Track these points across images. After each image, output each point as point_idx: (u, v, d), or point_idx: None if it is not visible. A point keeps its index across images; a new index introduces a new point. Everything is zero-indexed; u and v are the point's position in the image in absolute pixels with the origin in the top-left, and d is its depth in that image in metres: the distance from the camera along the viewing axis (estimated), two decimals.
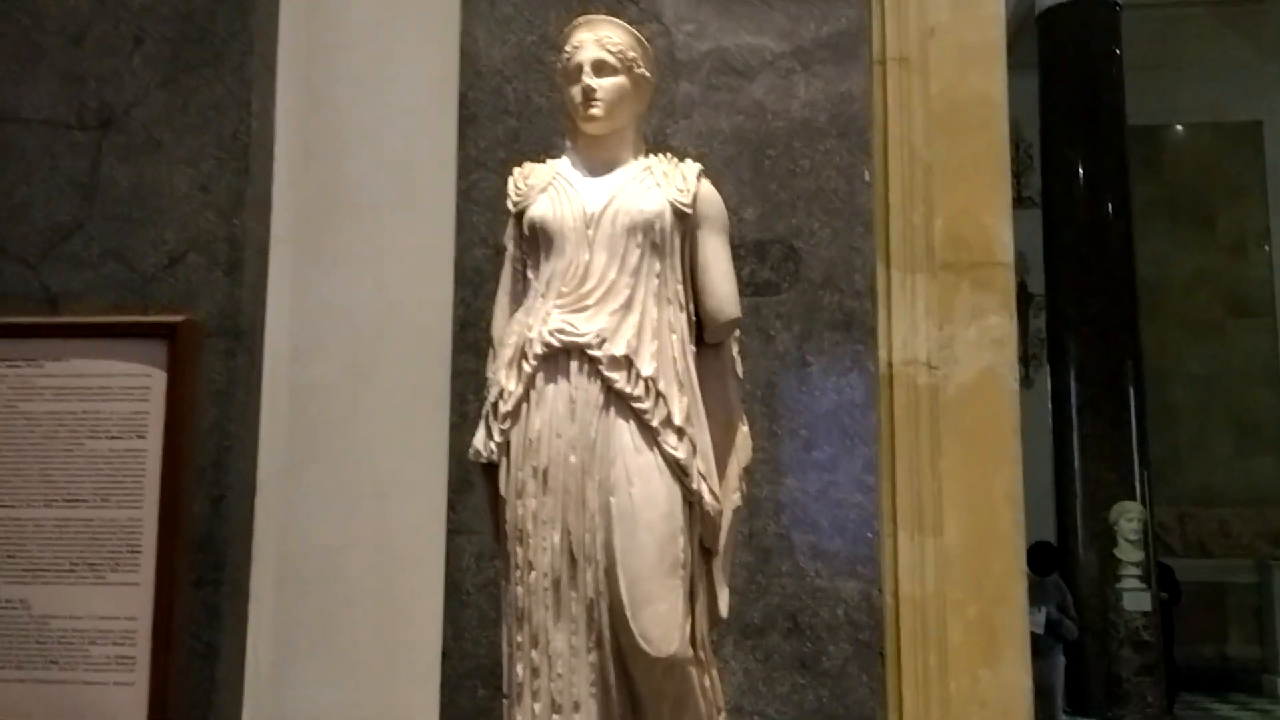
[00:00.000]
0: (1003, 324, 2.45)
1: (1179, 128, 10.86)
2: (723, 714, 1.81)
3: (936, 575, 2.37)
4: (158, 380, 2.03)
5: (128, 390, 2.01)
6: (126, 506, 1.99)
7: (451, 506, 2.37)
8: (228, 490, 2.45)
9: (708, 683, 1.78)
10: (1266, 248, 10.59)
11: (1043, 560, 6.06)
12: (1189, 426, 10.22)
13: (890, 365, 2.43)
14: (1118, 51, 9.14)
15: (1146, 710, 7.15)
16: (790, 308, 2.38)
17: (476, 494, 2.36)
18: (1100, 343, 8.99)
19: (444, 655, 2.33)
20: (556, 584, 1.74)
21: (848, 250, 2.39)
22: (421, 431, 2.49)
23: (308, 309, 2.60)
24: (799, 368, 2.37)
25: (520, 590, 1.77)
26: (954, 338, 2.44)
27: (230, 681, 2.46)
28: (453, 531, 2.37)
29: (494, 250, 2.44)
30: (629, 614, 1.69)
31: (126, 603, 1.97)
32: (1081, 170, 9.11)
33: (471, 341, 2.42)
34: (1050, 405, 8.31)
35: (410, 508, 2.49)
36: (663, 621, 1.70)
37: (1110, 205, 9.57)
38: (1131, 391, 9.67)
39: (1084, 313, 8.35)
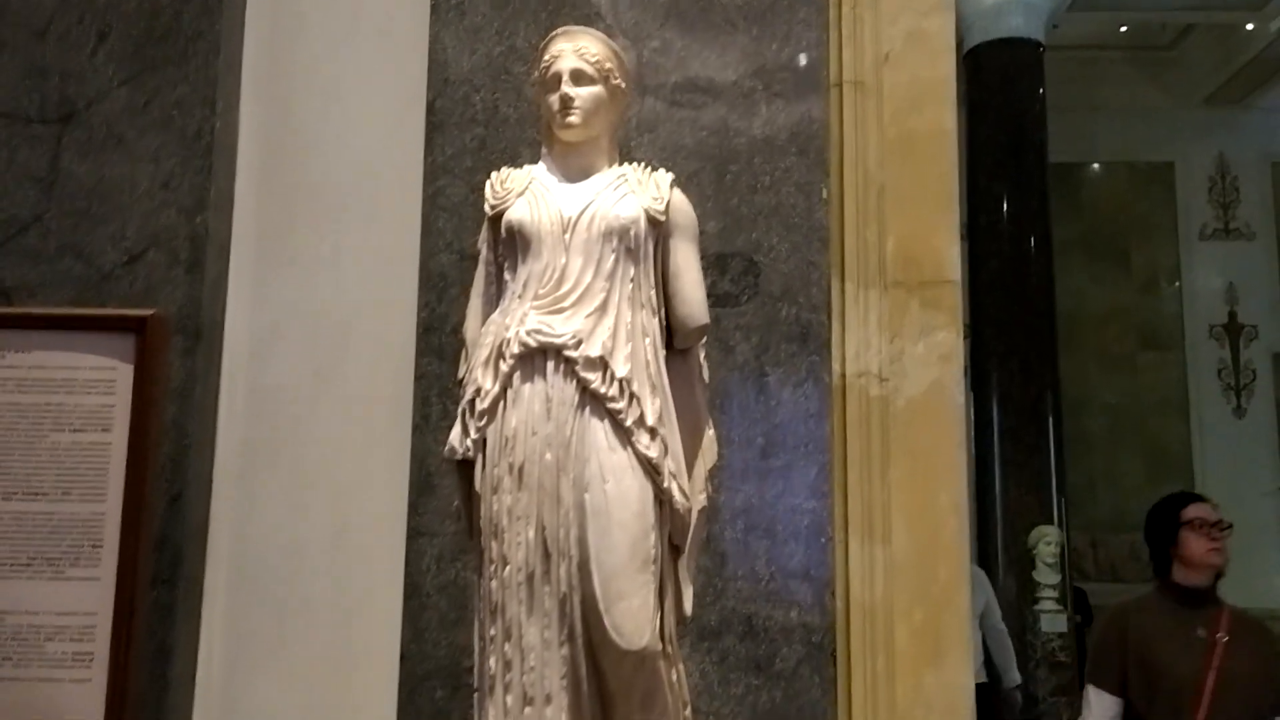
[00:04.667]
0: (950, 340, 2.55)
1: (1096, 166, 11.29)
2: (688, 708, 1.86)
3: (885, 581, 2.45)
4: (124, 374, 2.00)
5: (92, 383, 1.99)
6: (89, 500, 1.96)
7: (413, 509, 2.39)
8: (185, 488, 2.43)
9: (674, 677, 1.83)
10: (1176, 284, 11.03)
11: None
12: (1102, 455, 10.56)
13: (844, 377, 2.51)
14: (1041, 90, 9.51)
15: None
16: (749, 319, 2.45)
17: (438, 496, 2.39)
18: (1022, 372, 9.26)
19: (402, 657, 2.34)
20: (530, 578, 1.78)
21: (805, 265, 2.47)
22: (382, 433, 2.50)
23: (269, 309, 2.59)
24: (757, 378, 2.44)
25: (494, 584, 1.80)
26: (904, 352, 2.53)
27: (183, 682, 2.43)
28: (413, 533, 2.38)
29: (459, 256, 2.47)
30: (602, 608, 1.73)
31: (86, 598, 1.94)
32: (1006, 204, 9.43)
33: (435, 345, 2.44)
34: (973, 432, 8.52)
35: (370, 509, 2.49)
36: (634, 616, 1.74)
37: (1033, 239, 9.91)
38: (1050, 420, 9.99)
39: (1008, 343, 8.60)
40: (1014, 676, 5.34)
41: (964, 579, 2.48)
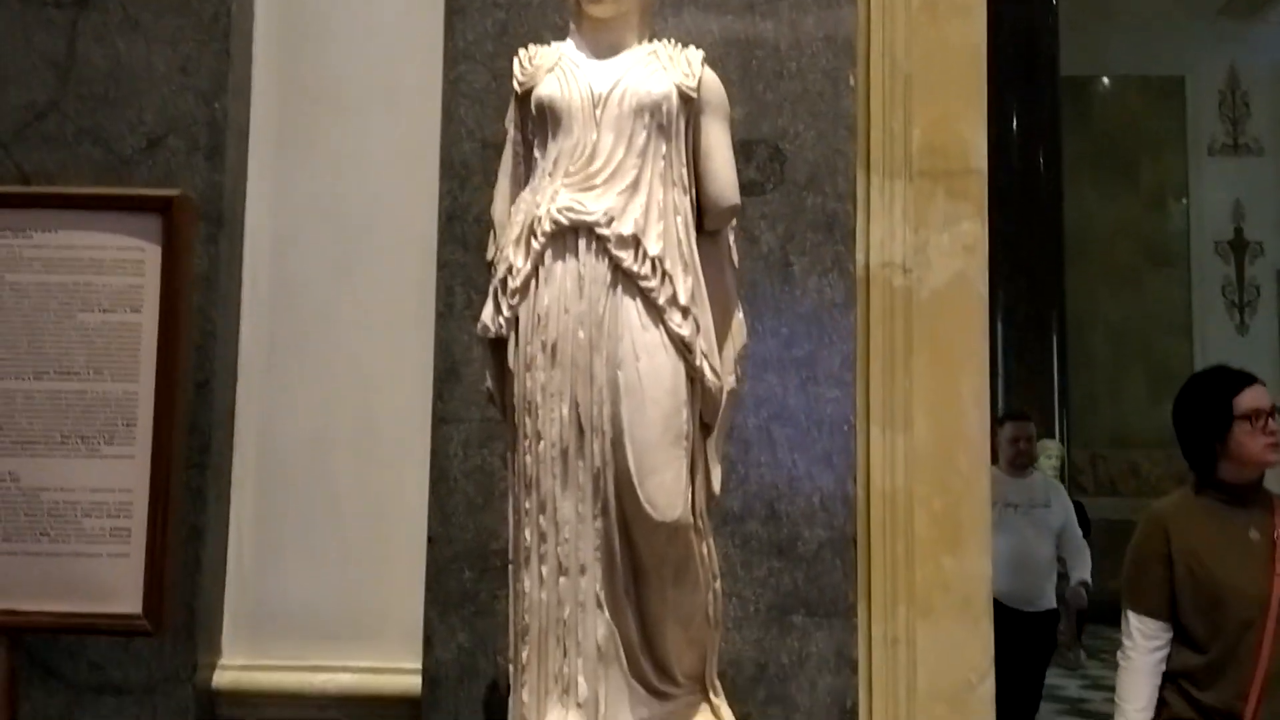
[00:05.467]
0: (975, 230, 2.54)
1: (1106, 80, 11.13)
2: (718, 580, 1.89)
3: (906, 469, 2.47)
4: (151, 255, 1.99)
5: (120, 264, 1.97)
6: (121, 380, 1.96)
7: (438, 396, 2.40)
8: (212, 376, 2.45)
9: (705, 550, 1.86)
10: (1184, 200, 10.96)
11: None
12: (1105, 372, 10.62)
13: (867, 268, 2.51)
14: (1054, 2, 9.32)
15: (1058, 638, 7.51)
16: (775, 208, 2.43)
17: (463, 384, 2.40)
18: (1028, 289, 9.26)
19: (430, 540, 2.37)
20: (564, 454, 1.79)
21: (831, 153, 2.45)
22: (407, 322, 2.51)
23: (290, 200, 2.58)
24: (782, 267, 2.43)
25: (529, 460, 1.81)
26: (928, 243, 2.52)
27: (214, 566, 2.47)
28: (439, 420, 2.39)
29: (481, 144, 2.44)
30: (636, 482, 1.75)
31: (121, 476, 1.96)
32: (1016, 119, 9.32)
33: (458, 234, 2.43)
34: None
35: (395, 397, 2.51)
36: (667, 489, 1.76)
37: (1042, 155, 9.82)
38: (1055, 336, 10.01)
39: (1014, 260, 8.57)
40: (1083, 574, 5.14)
41: (984, 469, 2.50)
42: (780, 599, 2.36)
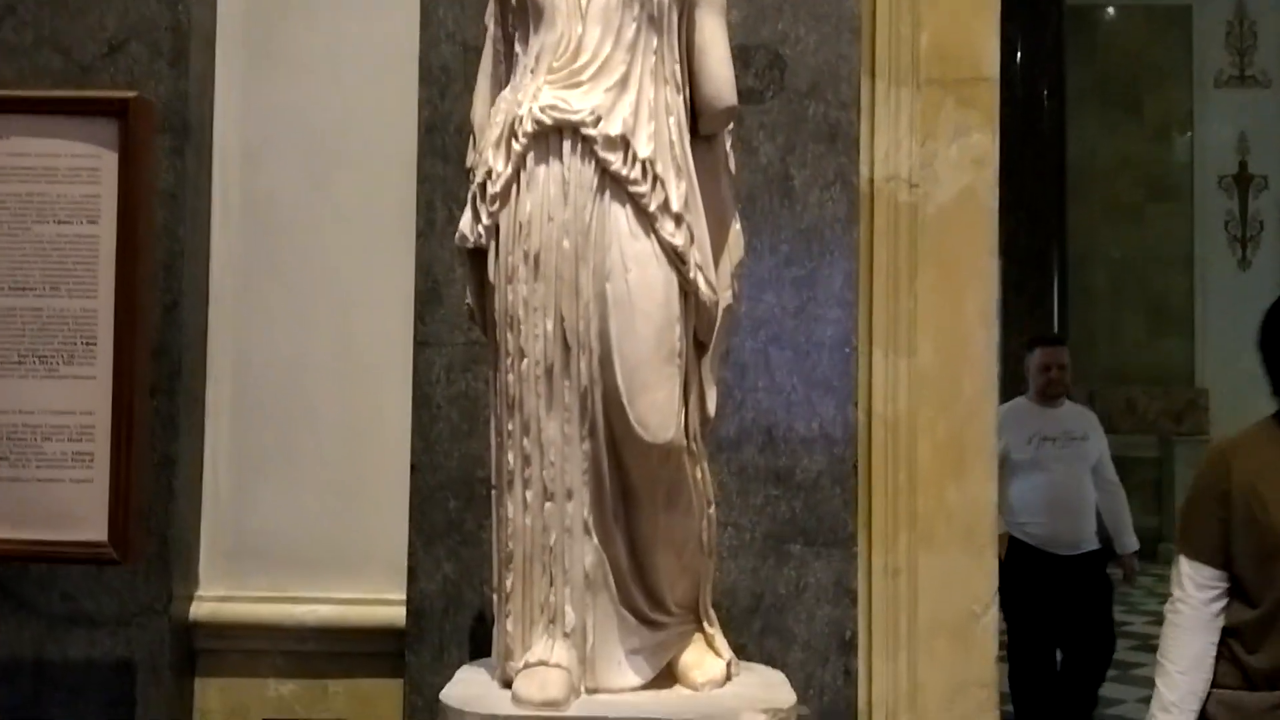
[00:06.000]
0: (984, 142, 2.41)
1: (1111, 10, 10.88)
2: (713, 505, 1.80)
3: (909, 394, 2.38)
4: (108, 162, 1.87)
5: (76, 172, 1.86)
6: (79, 296, 1.85)
7: (419, 319, 2.29)
8: (181, 297, 2.33)
9: (699, 474, 1.76)
10: (1189, 133, 10.77)
11: None
12: (1104, 308, 10.51)
13: (871, 182, 2.38)
14: None
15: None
16: (774, 117, 2.30)
17: (446, 306, 2.29)
18: (1029, 223, 9.11)
19: (413, 468, 2.28)
20: (549, 372, 1.68)
21: (835, 59, 2.31)
22: (386, 240, 2.39)
23: (260, 110, 2.45)
24: (781, 180, 2.31)
25: (511, 378, 1.70)
26: (935, 155, 2.39)
27: (188, 495, 2.38)
28: (421, 344, 2.28)
29: (462, 47, 2.30)
30: (625, 401, 1.64)
31: (82, 397, 1.86)
32: (1020, 49, 9.09)
33: (439, 146, 2.30)
34: None
35: (375, 320, 2.41)
36: (660, 409, 1.66)
37: (1046, 87, 9.62)
38: (1055, 272, 9.90)
39: (1016, 193, 8.40)
40: (1129, 541, 4.64)
41: (991, 393, 2.41)
42: (777, 528, 2.28)
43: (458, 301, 2.19)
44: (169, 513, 2.28)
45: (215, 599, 2.41)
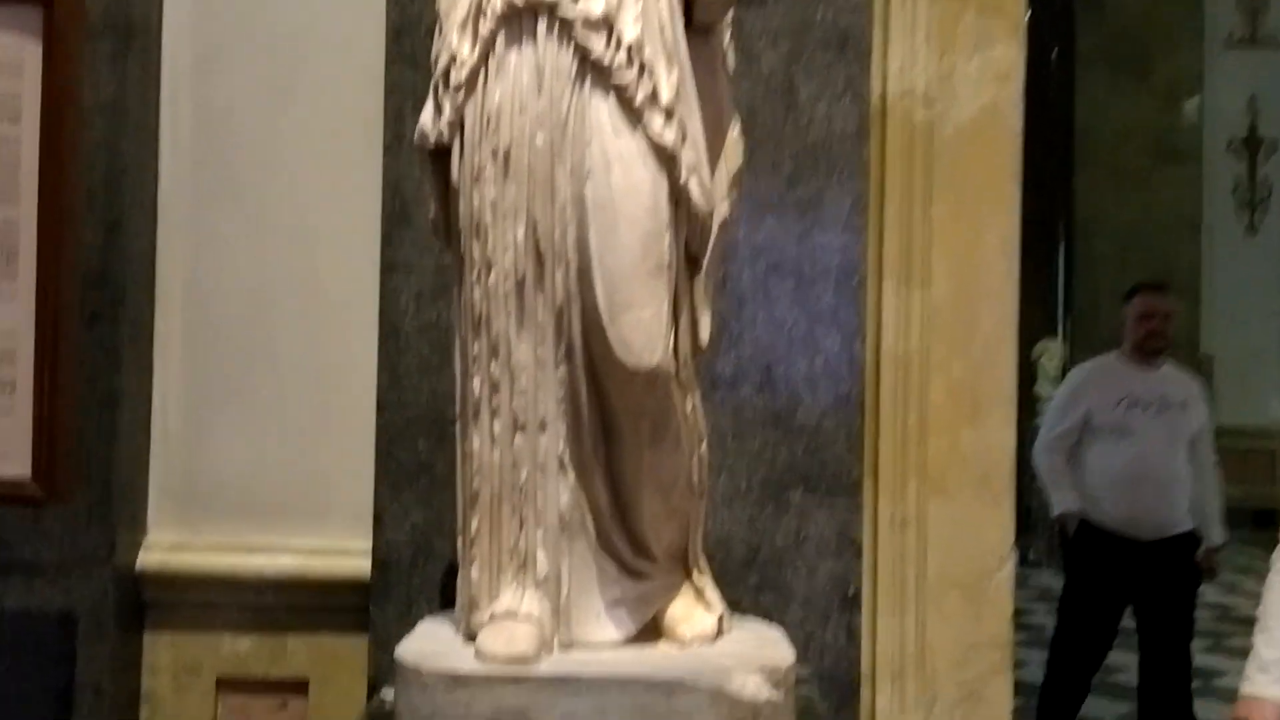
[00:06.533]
0: (1009, 56, 2.20)
1: None
2: (704, 442, 1.60)
3: (922, 329, 2.19)
4: (32, 55, 1.66)
5: None
6: None
7: (386, 240, 2.09)
8: (123, 216, 2.13)
9: (689, 406, 1.57)
10: (1198, 97, 10.56)
11: None
12: (1110, 273, 10.33)
13: (884, 98, 2.18)
14: None
15: (1051, 540, 7.36)
16: (778, 22, 2.09)
17: (414, 227, 2.09)
18: (1036, 188, 8.92)
19: (380, 406, 2.09)
20: (520, 286, 1.48)
21: None
22: (350, 156, 2.19)
23: (212, 12, 2.24)
24: (785, 92, 2.10)
25: (477, 294, 1.51)
26: (954, 69, 2.19)
27: (134, 433, 2.19)
28: (388, 268, 2.09)
29: None
30: (605, 319, 1.45)
31: (2, 317, 1.66)
32: (1029, 9, 8.85)
33: (407, 51, 2.08)
34: None
35: (339, 242, 2.21)
36: (645, 329, 1.46)
37: (1055, 50, 9.41)
38: (1061, 236, 9.75)
39: (1024, 156, 8.21)
40: (1216, 533, 4.01)
41: (1011, 329, 2.22)
42: (776, 474, 2.09)
43: (428, 222, 1.99)
44: (112, 452, 2.09)
45: (165, 547, 2.23)
